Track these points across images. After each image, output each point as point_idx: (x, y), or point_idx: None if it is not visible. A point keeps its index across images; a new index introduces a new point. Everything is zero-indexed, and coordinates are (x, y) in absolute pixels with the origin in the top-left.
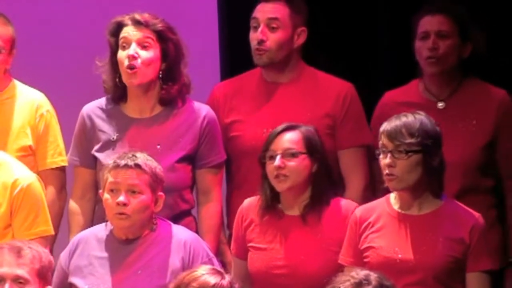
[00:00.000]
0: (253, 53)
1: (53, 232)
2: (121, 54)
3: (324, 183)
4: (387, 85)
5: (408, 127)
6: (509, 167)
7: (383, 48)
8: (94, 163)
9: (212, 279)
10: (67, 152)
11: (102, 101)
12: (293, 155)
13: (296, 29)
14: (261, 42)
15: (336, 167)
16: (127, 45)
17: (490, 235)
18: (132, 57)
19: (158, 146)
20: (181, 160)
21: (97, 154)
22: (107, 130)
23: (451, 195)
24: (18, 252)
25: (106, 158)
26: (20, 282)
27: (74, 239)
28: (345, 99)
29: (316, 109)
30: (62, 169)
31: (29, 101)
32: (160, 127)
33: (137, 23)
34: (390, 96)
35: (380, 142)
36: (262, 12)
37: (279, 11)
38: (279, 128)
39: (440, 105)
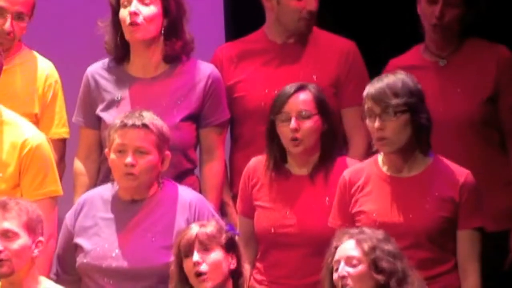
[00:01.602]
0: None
1: (61, 193)
2: (123, 12)
3: (332, 142)
4: (394, 51)
5: (391, 88)
6: None
7: (390, 12)
8: (98, 124)
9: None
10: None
11: (106, 62)
12: (308, 116)
13: None
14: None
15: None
16: (128, 3)
17: (502, 194)
18: (134, 14)
19: (163, 105)
20: (186, 118)
21: (101, 114)
22: (111, 90)
23: (458, 151)
24: (3, 206)
25: (110, 117)
26: (9, 236)
27: (79, 200)
28: (348, 56)
29: (321, 68)
30: (63, 140)
31: (38, 69)
32: (164, 86)
33: None
34: (393, 63)
35: (366, 106)
36: None
37: None
38: (291, 89)
39: (441, 63)
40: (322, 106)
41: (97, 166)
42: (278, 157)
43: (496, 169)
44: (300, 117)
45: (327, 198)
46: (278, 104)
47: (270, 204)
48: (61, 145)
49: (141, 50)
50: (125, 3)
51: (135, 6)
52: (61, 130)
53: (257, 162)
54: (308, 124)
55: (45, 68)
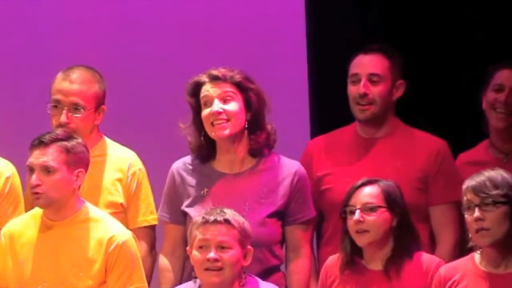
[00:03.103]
0: (354, 107)
1: None
2: (205, 112)
3: (405, 236)
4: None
5: (491, 180)
6: None
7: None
8: (184, 220)
9: None
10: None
11: (191, 157)
12: (372, 209)
13: (395, 82)
14: (363, 95)
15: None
16: (209, 102)
17: None
18: (217, 113)
19: (248, 201)
20: (271, 215)
21: (187, 210)
22: (196, 185)
23: None
24: None
25: (196, 213)
26: None
27: None
28: (438, 155)
29: (409, 164)
30: (152, 227)
31: (121, 159)
32: (250, 182)
33: (214, 79)
34: (461, 158)
35: (465, 199)
36: (362, 67)
37: (379, 64)
38: (358, 182)
39: (505, 159)
40: (391, 199)
41: (182, 262)
42: (351, 251)
43: None
44: (365, 209)
45: None
46: (346, 197)
47: None
48: (150, 233)
49: (227, 146)
50: (206, 103)
51: (217, 105)
52: (149, 218)
53: (333, 259)
54: (373, 216)
55: (127, 158)
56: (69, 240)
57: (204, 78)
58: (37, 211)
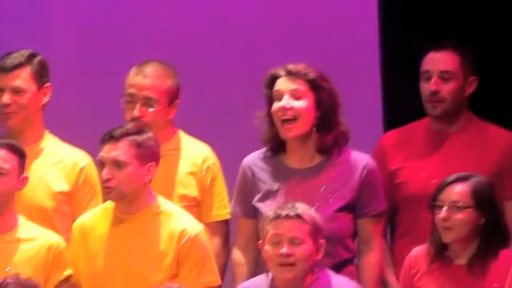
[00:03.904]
0: (426, 104)
1: (220, 283)
2: (274, 106)
3: (492, 235)
4: None
5: None
6: None
7: None
8: (256, 214)
9: None
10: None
11: (262, 152)
12: (459, 208)
13: (467, 79)
14: (434, 93)
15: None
16: (280, 97)
17: None
18: (285, 109)
19: (319, 196)
20: (342, 209)
21: (258, 205)
22: (268, 180)
23: None
24: None
25: (267, 208)
26: None
27: None
28: None
29: (482, 158)
30: (226, 222)
31: (195, 153)
32: (320, 177)
33: (289, 74)
34: None
35: None
36: (433, 64)
37: (450, 61)
38: (450, 178)
39: None
40: (480, 199)
41: (255, 255)
42: (439, 244)
43: None
44: (452, 208)
45: None
46: (436, 192)
47: None
48: (224, 227)
49: (296, 144)
50: (278, 96)
51: (286, 100)
52: (223, 212)
53: (418, 251)
54: (460, 215)
55: (202, 152)
56: (141, 234)
57: (280, 71)
58: (109, 204)
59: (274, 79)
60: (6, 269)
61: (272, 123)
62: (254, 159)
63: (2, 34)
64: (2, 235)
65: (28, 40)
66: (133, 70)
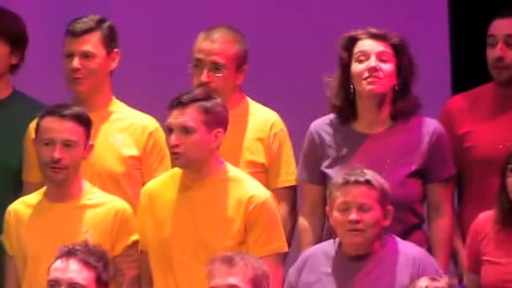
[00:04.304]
0: (492, 70)
1: (287, 249)
2: (359, 67)
3: None
4: None
5: None
6: None
7: None
8: (322, 180)
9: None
10: None
11: (330, 117)
12: None
13: None
14: (500, 59)
15: None
16: (365, 58)
17: None
18: (374, 69)
19: (388, 161)
20: (411, 174)
21: (327, 170)
22: (336, 145)
23: None
24: (229, 261)
25: (336, 174)
26: None
27: (302, 255)
28: None
29: None
30: (293, 188)
31: (263, 119)
32: (390, 142)
33: (374, 36)
34: None
35: None
36: (499, 29)
37: None
38: None
39: None
40: None
41: (321, 222)
42: (508, 209)
43: None
44: None
45: None
46: (509, 155)
47: (498, 258)
48: (291, 193)
49: (371, 105)
50: (361, 58)
51: (375, 61)
52: (291, 178)
53: (486, 216)
54: None
55: (270, 118)
56: (208, 200)
57: (362, 34)
58: (176, 171)
59: (353, 41)
60: (83, 230)
61: (343, 87)
62: (321, 125)
63: (67, 1)
64: (69, 202)
65: (90, 8)
66: (201, 35)
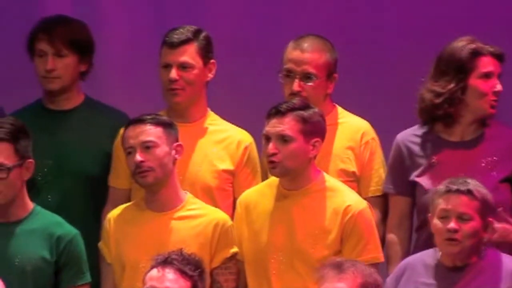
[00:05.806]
0: None
1: (383, 259)
2: (482, 84)
3: None
4: None
5: None
6: None
7: None
8: (410, 191)
9: None
10: None
11: (415, 128)
12: None
13: None
14: None
15: None
16: (488, 76)
17: None
18: (499, 92)
19: (477, 170)
20: (504, 180)
21: (418, 179)
22: (425, 154)
23: None
24: (339, 267)
25: (428, 182)
26: None
27: (401, 265)
28: None
29: None
30: (385, 196)
31: (354, 128)
32: (481, 148)
33: (495, 55)
34: None
35: None
36: None
37: None
38: None
39: None
40: None
41: (409, 234)
42: None
43: None
44: None
45: None
46: None
47: None
48: (383, 201)
49: (476, 119)
50: (484, 75)
51: (498, 84)
52: (382, 187)
53: None
54: None
55: (361, 127)
56: (305, 210)
57: (484, 49)
58: (273, 180)
59: (476, 55)
60: (182, 240)
61: (453, 98)
62: (408, 136)
63: (162, 12)
64: (169, 212)
65: (184, 18)
66: (291, 45)
